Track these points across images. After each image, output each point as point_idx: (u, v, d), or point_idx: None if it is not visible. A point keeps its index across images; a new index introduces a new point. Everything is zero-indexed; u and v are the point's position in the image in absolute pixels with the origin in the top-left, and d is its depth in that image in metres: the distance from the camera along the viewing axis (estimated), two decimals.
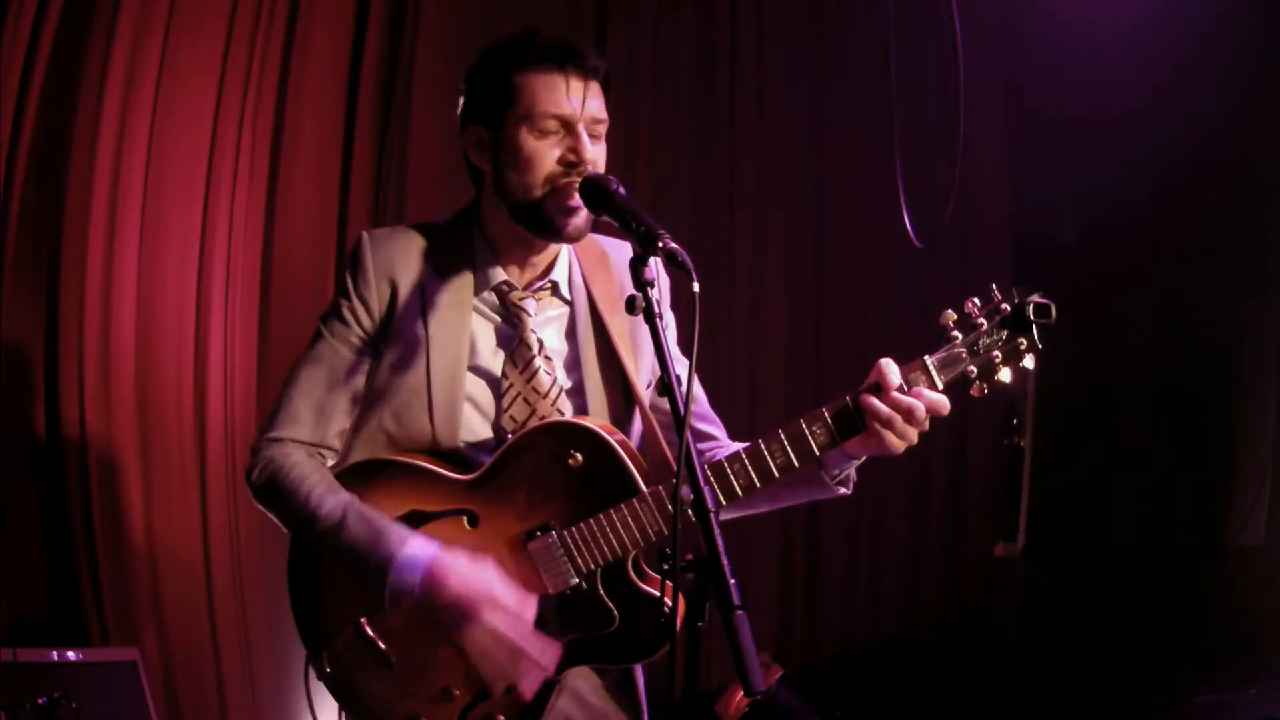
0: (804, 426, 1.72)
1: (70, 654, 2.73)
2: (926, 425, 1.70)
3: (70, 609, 3.00)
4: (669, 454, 1.85)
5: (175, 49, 3.14)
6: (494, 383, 1.87)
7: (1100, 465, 6.39)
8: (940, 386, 1.69)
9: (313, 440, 1.89)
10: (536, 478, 1.79)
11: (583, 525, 1.77)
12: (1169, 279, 5.99)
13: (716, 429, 2.04)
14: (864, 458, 1.79)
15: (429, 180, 3.68)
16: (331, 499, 1.81)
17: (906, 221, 3.10)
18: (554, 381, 1.88)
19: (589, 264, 1.97)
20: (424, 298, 1.86)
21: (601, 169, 1.83)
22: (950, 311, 1.70)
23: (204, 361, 3.25)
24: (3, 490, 2.94)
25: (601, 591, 1.78)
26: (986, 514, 5.91)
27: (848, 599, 5.14)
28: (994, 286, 1.70)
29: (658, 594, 1.75)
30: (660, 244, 1.57)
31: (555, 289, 1.93)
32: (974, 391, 1.71)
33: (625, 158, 4.13)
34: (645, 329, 1.86)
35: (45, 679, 2.64)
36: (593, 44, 1.88)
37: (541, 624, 1.77)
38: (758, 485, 1.73)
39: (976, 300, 1.70)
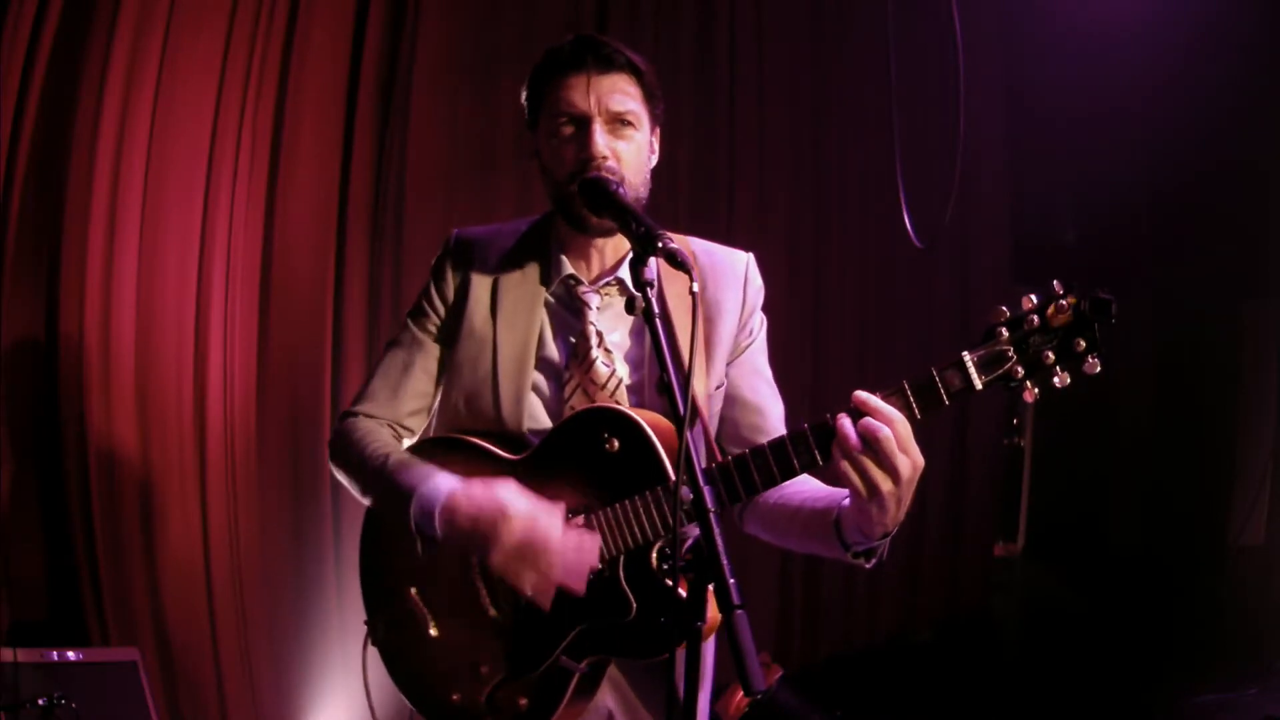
0: (787, 441, 1.67)
1: (70, 654, 2.73)
2: (897, 465, 1.55)
3: (70, 609, 3.01)
4: (720, 459, 1.83)
5: (175, 49, 3.15)
6: (557, 373, 1.92)
7: (1100, 465, 6.40)
8: (979, 386, 1.56)
9: (385, 416, 2.01)
10: (575, 461, 1.81)
11: (609, 510, 1.77)
12: (1169, 279, 5.99)
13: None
14: (882, 533, 1.65)
15: (429, 179, 3.68)
16: (379, 451, 1.92)
17: (906, 221, 3.10)
18: (612, 374, 1.90)
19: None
20: (496, 291, 1.95)
21: (627, 160, 1.85)
22: (1003, 307, 1.57)
23: (204, 361, 3.25)
24: (3, 490, 2.94)
25: (622, 579, 1.78)
26: (986, 514, 5.91)
27: (847, 599, 5.14)
28: (1055, 282, 1.54)
29: (679, 590, 1.72)
30: (660, 244, 1.58)
31: (623, 286, 1.95)
32: (1026, 396, 1.56)
33: None
34: (721, 332, 1.92)
35: (45, 679, 2.64)
36: (614, 39, 1.89)
37: (561, 605, 1.77)
38: (741, 495, 1.70)
39: (1034, 296, 1.55)
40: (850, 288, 5.13)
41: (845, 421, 1.58)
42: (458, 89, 3.74)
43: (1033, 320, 1.54)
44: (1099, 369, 1.52)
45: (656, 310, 1.57)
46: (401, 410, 2.01)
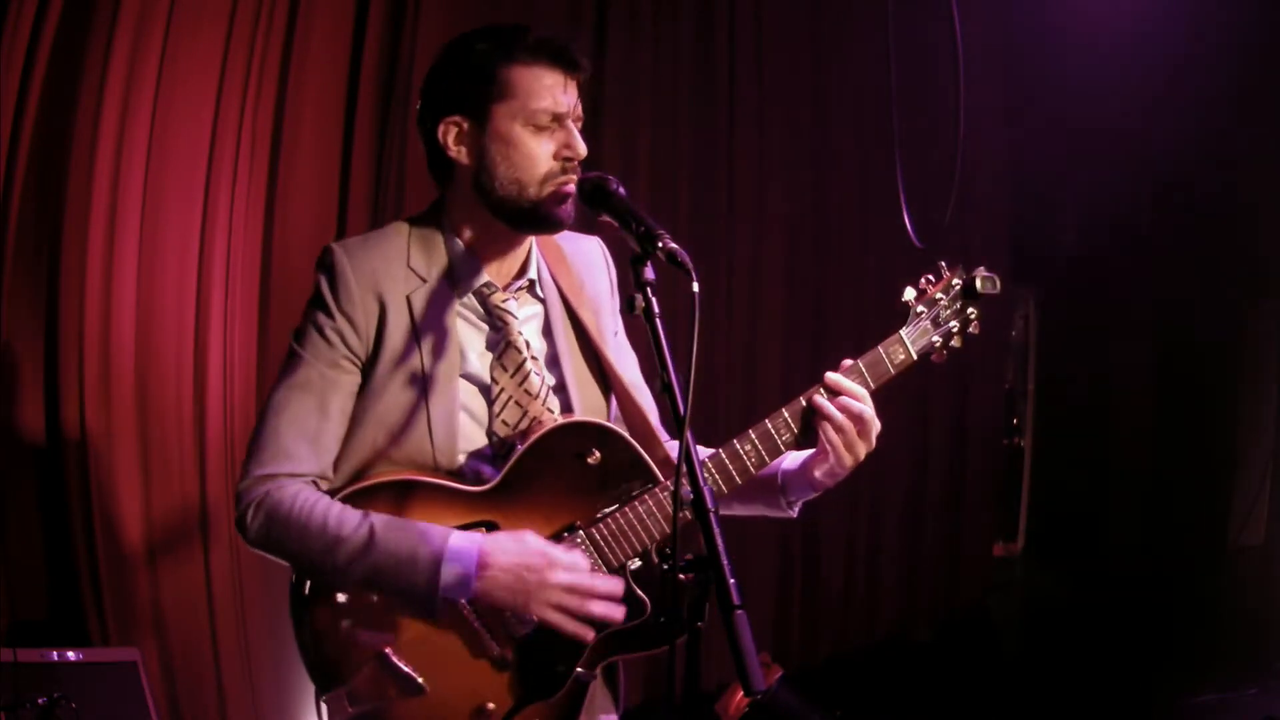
0: (769, 426, 1.84)
1: (70, 654, 2.73)
2: (872, 437, 1.82)
3: (70, 609, 3.00)
4: (660, 438, 1.92)
5: (175, 49, 3.14)
6: (484, 389, 1.84)
7: (1100, 465, 6.39)
8: (915, 357, 1.88)
9: (312, 473, 1.78)
10: (557, 480, 1.79)
11: (609, 521, 1.78)
12: (1169, 279, 5.99)
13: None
14: (823, 488, 1.89)
15: (429, 180, 3.67)
16: (352, 518, 1.72)
17: (906, 221, 3.10)
18: (543, 382, 1.88)
19: (551, 258, 1.97)
20: (411, 309, 1.81)
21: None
22: (910, 289, 1.89)
23: (204, 361, 3.25)
24: (3, 490, 2.94)
25: (632, 583, 1.79)
26: (986, 514, 5.91)
27: (846, 598, 5.14)
28: (942, 263, 1.92)
29: (683, 579, 1.75)
30: (660, 244, 1.58)
31: (531, 287, 1.93)
32: (935, 359, 1.91)
33: (625, 158, 4.13)
34: (606, 322, 1.96)
35: (45, 679, 2.63)
36: (578, 43, 1.90)
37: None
38: (738, 481, 1.83)
39: (930, 276, 1.91)
40: (850, 287, 5.13)
41: (825, 402, 1.81)
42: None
43: (939, 299, 1.90)
44: (978, 330, 1.93)
45: (657, 311, 1.57)
46: (325, 461, 1.78)
